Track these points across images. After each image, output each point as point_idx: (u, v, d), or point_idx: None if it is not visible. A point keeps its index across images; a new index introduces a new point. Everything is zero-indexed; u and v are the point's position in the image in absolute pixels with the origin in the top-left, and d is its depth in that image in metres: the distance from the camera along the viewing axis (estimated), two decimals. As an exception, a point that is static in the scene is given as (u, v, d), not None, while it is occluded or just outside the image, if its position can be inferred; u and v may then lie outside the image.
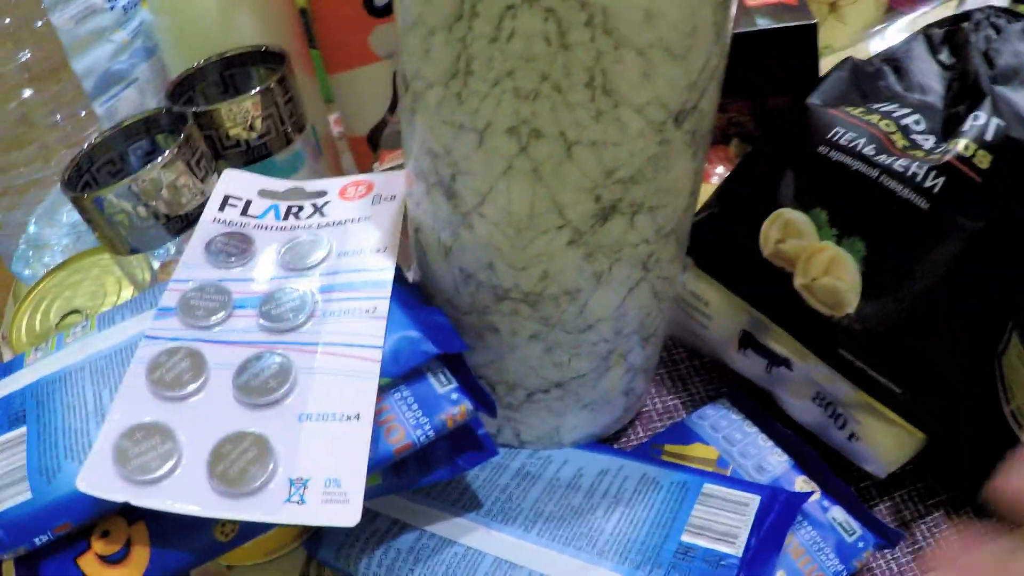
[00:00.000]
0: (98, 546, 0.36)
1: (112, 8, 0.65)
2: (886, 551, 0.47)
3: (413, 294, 0.45)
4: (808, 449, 0.48)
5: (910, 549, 0.48)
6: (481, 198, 0.38)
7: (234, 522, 0.37)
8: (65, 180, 0.48)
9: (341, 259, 0.44)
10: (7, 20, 0.66)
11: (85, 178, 0.50)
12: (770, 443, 0.50)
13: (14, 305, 0.64)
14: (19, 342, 0.59)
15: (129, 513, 0.36)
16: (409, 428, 0.39)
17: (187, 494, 0.35)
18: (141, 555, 0.36)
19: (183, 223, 0.49)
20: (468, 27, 0.33)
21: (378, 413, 0.38)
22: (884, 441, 0.45)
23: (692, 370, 0.56)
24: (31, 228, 0.72)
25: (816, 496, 0.47)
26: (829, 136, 0.46)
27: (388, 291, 0.42)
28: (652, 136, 0.36)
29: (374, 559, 0.44)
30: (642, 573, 0.40)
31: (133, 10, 0.67)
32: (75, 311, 0.61)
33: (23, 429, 0.39)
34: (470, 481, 0.48)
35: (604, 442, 0.52)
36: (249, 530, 0.38)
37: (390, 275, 0.43)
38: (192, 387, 0.38)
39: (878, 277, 0.43)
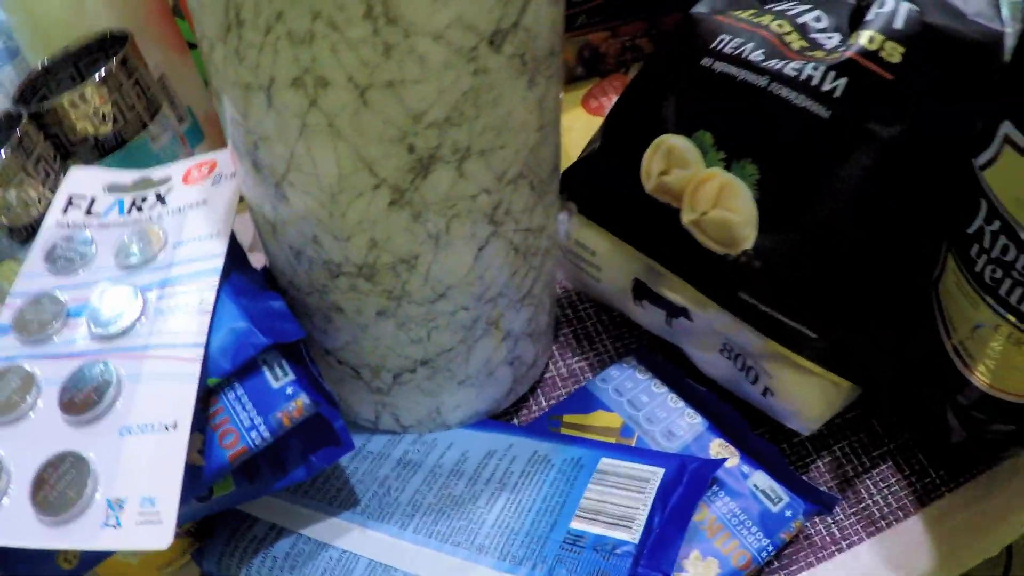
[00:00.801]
0: None
1: None
2: (825, 515, 0.41)
3: (252, 279, 0.40)
4: (726, 408, 0.43)
5: (854, 510, 0.42)
6: (286, 165, 0.32)
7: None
8: None
9: (176, 250, 0.40)
10: None
11: None
12: (681, 404, 0.44)
13: None
14: None
15: None
16: (243, 430, 0.36)
17: (11, 525, 0.33)
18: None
19: (29, 232, 0.45)
20: None
21: (212, 417, 0.36)
22: (802, 394, 0.39)
23: (600, 327, 0.50)
24: None
25: (734, 461, 0.41)
26: (713, 46, 0.39)
27: (215, 281, 0.37)
28: (462, 66, 0.29)
29: (252, 567, 0.40)
30: (524, 570, 0.35)
31: None
32: None
33: None
34: (349, 475, 0.44)
35: (498, 418, 0.47)
36: (89, 557, 0.36)
37: (219, 263, 0.38)
38: (20, 410, 0.35)
39: (776, 204, 0.37)
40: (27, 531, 0.32)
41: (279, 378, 0.37)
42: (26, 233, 0.45)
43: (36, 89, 0.51)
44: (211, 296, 0.37)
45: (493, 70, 0.30)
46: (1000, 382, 0.35)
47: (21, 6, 0.54)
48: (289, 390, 0.36)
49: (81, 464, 0.33)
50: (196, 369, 0.35)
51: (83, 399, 0.35)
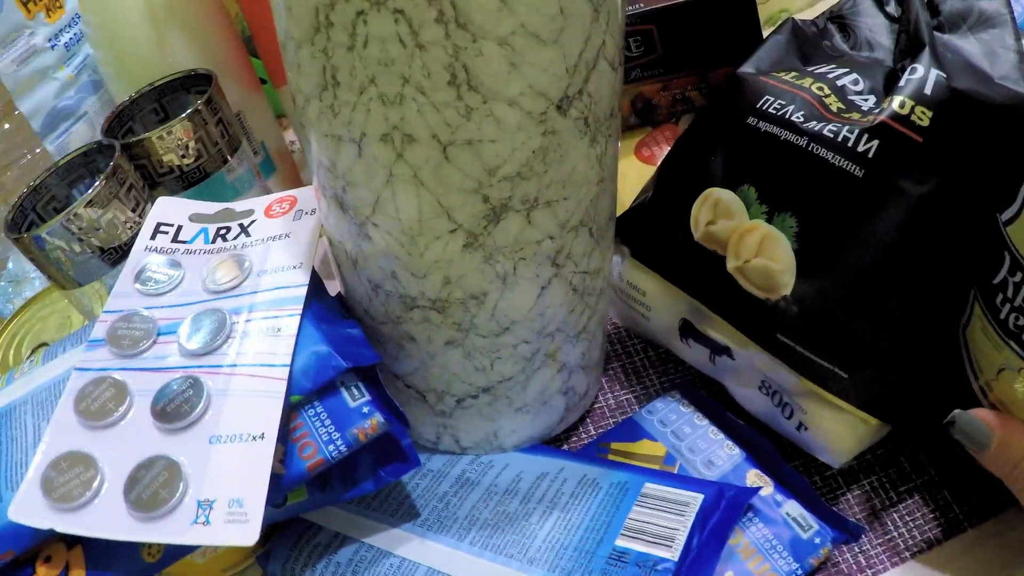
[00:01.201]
0: (41, 571, 0.38)
1: (54, 47, 0.66)
2: (852, 544, 0.44)
3: (331, 307, 0.44)
4: (763, 440, 0.46)
5: (880, 540, 0.45)
6: (371, 208, 0.36)
7: (159, 544, 0.38)
8: (8, 222, 0.49)
9: (260, 278, 0.43)
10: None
11: (30, 218, 0.51)
12: (721, 436, 0.47)
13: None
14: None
15: (67, 538, 0.38)
16: (321, 444, 0.39)
17: (105, 519, 0.36)
18: (78, 577, 0.37)
19: (119, 254, 0.49)
20: (327, 37, 0.31)
21: (293, 431, 0.39)
22: (834, 430, 0.42)
23: (647, 362, 0.54)
24: (10, 264, 0.73)
25: (768, 490, 0.44)
26: (758, 105, 0.43)
27: (299, 308, 0.41)
28: (533, 128, 0.33)
29: (316, 571, 0.43)
30: (572, 581, 0.38)
31: (76, 46, 0.68)
32: (43, 344, 0.62)
33: None
34: (410, 490, 0.47)
35: (550, 443, 0.50)
36: (173, 551, 0.39)
37: (303, 291, 0.42)
38: (114, 416, 0.38)
39: (813, 254, 0.40)
40: (122, 525, 0.35)
41: (356, 398, 0.40)
42: (116, 255, 0.49)
43: (123, 121, 0.55)
44: (295, 321, 0.40)
45: (560, 131, 0.34)
46: (1021, 422, 0.38)
47: (109, 43, 0.58)
48: (365, 409, 0.39)
49: (172, 467, 0.36)
50: (281, 387, 0.38)
51: (175, 409, 0.38)
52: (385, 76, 0.31)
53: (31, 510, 0.36)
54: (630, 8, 0.56)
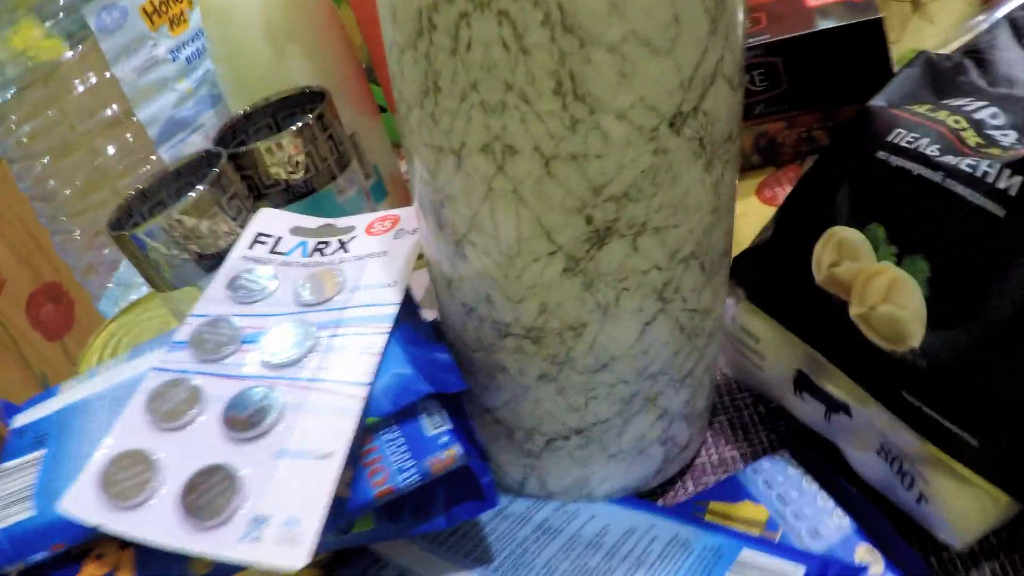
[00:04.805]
0: (89, 568, 0.37)
1: (175, 59, 0.69)
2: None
3: (422, 330, 0.43)
4: (876, 512, 0.41)
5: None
6: (468, 225, 0.35)
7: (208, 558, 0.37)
8: (112, 220, 0.50)
9: (353, 294, 0.42)
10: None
11: (135, 219, 0.52)
12: (831, 503, 0.43)
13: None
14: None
15: (121, 539, 0.36)
16: (393, 471, 0.37)
17: (153, 523, 0.35)
18: (124, 580, 0.37)
19: (216, 261, 0.49)
20: (429, 41, 0.30)
21: (365, 454, 0.37)
22: (959, 505, 0.37)
23: (756, 417, 0.50)
24: (121, 268, 0.76)
25: (877, 569, 0.40)
26: (889, 139, 0.40)
27: (388, 327, 0.40)
28: (643, 145, 0.31)
29: None
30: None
31: (197, 60, 0.71)
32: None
33: (42, 451, 0.40)
34: (487, 532, 0.44)
35: (644, 496, 0.47)
36: (223, 569, 0.37)
37: (393, 310, 0.41)
38: (185, 419, 0.38)
39: (946, 302, 0.37)
40: (171, 530, 0.34)
41: (436, 426, 0.38)
42: (213, 261, 0.49)
43: (236, 134, 0.56)
44: (382, 340, 0.39)
45: (672, 150, 0.32)
46: None
47: (228, 58, 0.60)
48: (444, 439, 0.37)
49: (233, 477, 0.35)
50: (359, 405, 0.36)
51: (246, 418, 0.36)
52: (487, 82, 0.30)
53: (83, 505, 0.36)
54: (753, 38, 0.53)
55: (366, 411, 0.37)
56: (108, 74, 0.67)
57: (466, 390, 0.39)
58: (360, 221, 0.47)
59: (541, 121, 0.30)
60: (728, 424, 0.50)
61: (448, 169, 0.33)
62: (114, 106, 0.68)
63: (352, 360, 0.39)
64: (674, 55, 0.29)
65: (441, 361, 0.40)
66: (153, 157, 0.72)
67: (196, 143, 0.72)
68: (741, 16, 0.32)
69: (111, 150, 0.70)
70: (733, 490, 0.45)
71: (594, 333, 0.37)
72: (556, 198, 0.32)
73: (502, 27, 0.28)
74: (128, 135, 0.70)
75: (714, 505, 0.45)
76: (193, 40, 0.70)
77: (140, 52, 0.67)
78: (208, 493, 0.35)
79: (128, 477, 0.36)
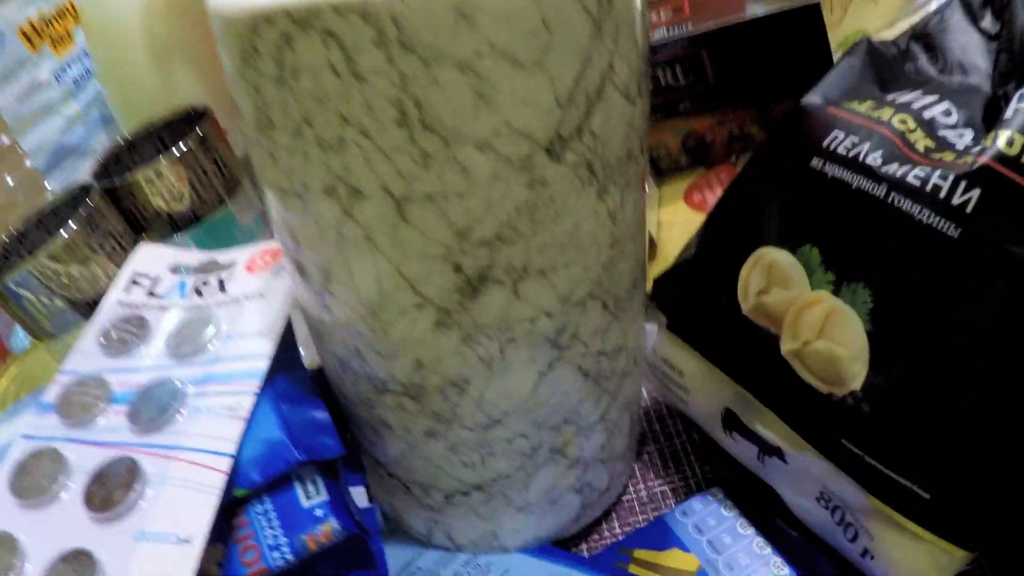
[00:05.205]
0: None
1: (60, 81, 0.64)
2: None
3: (299, 384, 0.37)
4: (821, 561, 0.37)
5: None
6: (325, 275, 0.29)
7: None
8: None
9: (226, 344, 0.37)
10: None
11: (12, 262, 0.47)
12: (768, 550, 0.38)
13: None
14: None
15: None
16: (265, 549, 0.33)
17: None
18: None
19: (93, 306, 0.44)
20: (255, 68, 0.25)
21: (237, 528, 0.33)
22: (908, 562, 0.33)
23: (689, 447, 0.45)
24: None
25: (824, 631, 0.35)
26: (825, 144, 0.34)
27: (256, 384, 0.35)
28: (514, 178, 0.25)
29: None
30: None
31: (86, 80, 0.65)
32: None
33: None
34: None
35: (565, 543, 0.42)
36: None
37: (263, 364, 0.35)
38: (48, 495, 0.33)
39: (892, 338, 0.32)
40: None
41: (310, 496, 0.34)
42: (90, 308, 0.43)
43: (119, 161, 0.50)
44: (249, 401, 0.34)
45: (553, 181, 0.26)
46: None
47: (114, 78, 0.55)
48: (319, 511, 0.33)
49: (92, 564, 0.31)
50: (221, 482, 0.32)
51: (106, 495, 0.33)
52: (321, 115, 0.24)
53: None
54: (673, 30, 0.47)
55: (231, 484, 0.32)
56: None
57: (343, 453, 0.34)
58: (242, 255, 0.42)
59: (387, 158, 0.24)
60: (658, 454, 0.45)
61: (296, 212, 0.28)
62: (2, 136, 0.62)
63: (217, 425, 0.34)
64: (545, 68, 0.24)
65: (317, 421, 0.35)
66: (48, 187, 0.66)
67: (89, 170, 0.66)
68: (639, 11, 0.26)
69: (9, 182, 0.64)
70: (660, 535, 0.40)
71: (480, 388, 0.31)
72: (415, 245, 0.26)
73: (330, 49, 0.23)
74: (28, 163, 0.64)
75: (639, 553, 0.40)
76: (80, 59, 0.64)
77: (20, 76, 0.61)
78: None
79: None
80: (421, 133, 0.24)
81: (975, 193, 0.30)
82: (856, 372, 0.32)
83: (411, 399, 0.32)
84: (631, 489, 0.44)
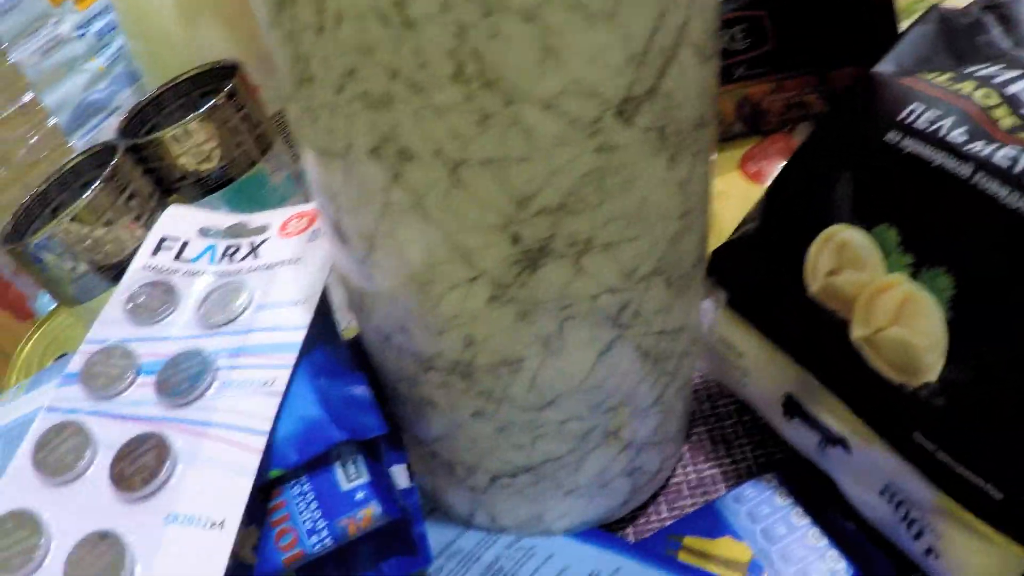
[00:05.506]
0: None
1: (82, 36, 0.61)
2: None
3: (338, 357, 0.36)
4: (879, 556, 0.35)
5: None
6: (369, 244, 0.27)
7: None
8: (8, 231, 0.44)
9: (259, 313, 0.35)
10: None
11: (36, 225, 0.45)
12: (824, 542, 0.36)
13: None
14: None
15: None
16: (303, 533, 0.31)
17: None
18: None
19: (120, 270, 0.42)
20: (292, 16, 0.23)
21: (273, 511, 0.32)
22: (976, 564, 0.31)
23: (741, 429, 0.43)
24: None
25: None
26: (901, 117, 0.32)
27: (292, 358, 0.33)
28: (581, 142, 0.23)
29: None
30: None
31: (110, 35, 0.63)
32: (64, 354, 0.56)
33: None
34: (432, 573, 0.39)
35: (612, 527, 0.40)
36: None
37: (299, 336, 0.34)
38: (71, 472, 0.32)
39: (973, 329, 0.29)
40: None
41: (351, 478, 0.32)
42: (116, 272, 0.43)
43: (145, 120, 0.49)
44: (285, 375, 0.32)
45: (623, 147, 0.24)
46: None
47: (140, 33, 0.53)
48: (360, 494, 0.31)
49: (119, 549, 0.29)
50: (255, 462, 0.30)
51: (133, 473, 0.31)
52: (367, 68, 0.22)
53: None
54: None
55: (266, 464, 0.31)
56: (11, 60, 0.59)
57: (387, 432, 0.32)
58: (276, 218, 0.40)
59: (440, 117, 0.22)
60: (708, 437, 0.43)
61: (337, 176, 0.26)
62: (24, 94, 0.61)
63: (252, 400, 0.32)
64: (618, 21, 0.22)
65: (357, 398, 0.33)
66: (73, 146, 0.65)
67: (114, 128, 0.65)
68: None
69: (31, 140, 0.63)
70: (712, 522, 0.39)
71: (534, 368, 0.29)
72: (471, 213, 0.25)
73: (379, -6, 0.21)
74: (50, 121, 0.62)
75: (689, 540, 0.38)
76: (104, 12, 0.62)
77: (41, 32, 0.59)
78: (94, 565, 0.29)
79: (11, 544, 0.30)
80: (480, 90, 0.22)
81: (1070, 177, 0.28)
82: (932, 363, 0.30)
83: (459, 377, 0.30)
84: (680, 471, 0.42)
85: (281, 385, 0.32)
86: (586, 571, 0.37)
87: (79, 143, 0.61)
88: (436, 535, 0.40)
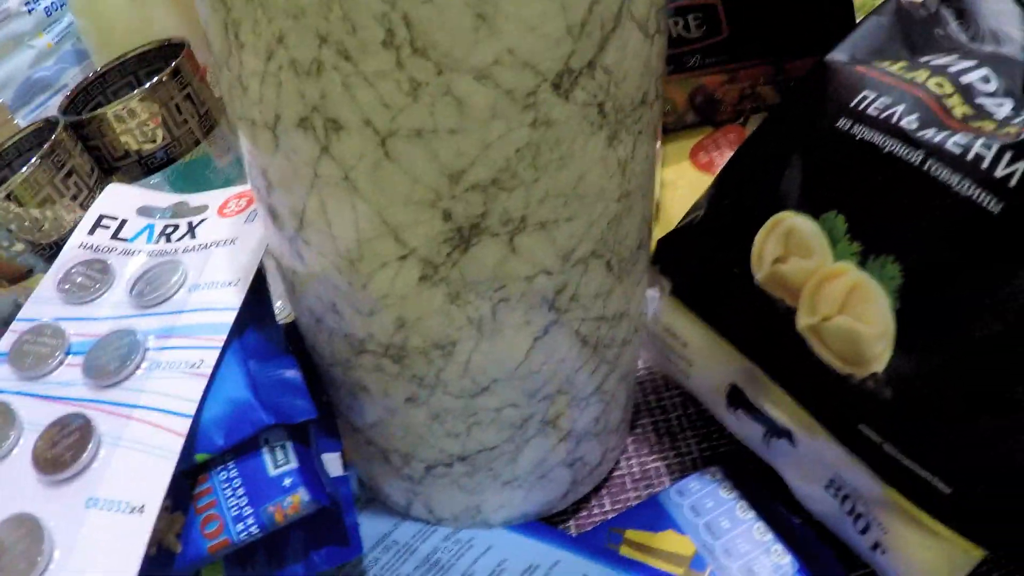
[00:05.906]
0: None
1: (31, 11, 0.60)
2: None
3: (270, 338, 0.35)
4: (825, 552, 0.34)
5: None
6: (299, 220, 0.26)
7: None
8: None
9: (192, 294, 0.34)
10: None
11: None
12: (769, 536, 0.36)
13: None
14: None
15: None
16: (229, 520, 0.30)
17: None
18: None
19: (56, 250, 0.42)
20: None
21: (198, 497, 0.31)
22: (923, 559, 0.30)
23: (686, 421, 0.42)
24: None
25: (825, 625, 0.33)
26: (854, 104, 0.31)
27: (222, 339, 0.32)
28: (516, 116, 0.22)
29: None
30: None
31: (59, 11, 0.62)
32: None
33: None
34: (367, 566, 0.38)
35: (552, 520, 0.39)
36: None
37: (230, 317, 0.33)
38: None
39: (921, 318, 0.29)
40: None
41: (279, 464, 0.31)
42: (54, 253, 0.42)
43: (90, 97, 0.48)
44: (213, 356, 0.31)
45: (559, 122, 0.23)
46: None
47: (86, 7, 0.52)
48: (287, 480, 0.30)
49: (38, 534, 0.29)
50: (178, 445, 0.29)
51: (55, 456, 0.30)
52: (296, 33, 0.21)
53: None
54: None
55: (191, 448, 0.30)
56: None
57: (334, 403, 0.31)
58: (216, 198, 0.39)
59: (370, 85, 0.21)
60: (652, 429, 0.43)
61: (266, 148, 0.25)
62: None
63: (178, 382, 0.31)
64: (557, -11, 0.21)
65: (288, 381, 0.32)
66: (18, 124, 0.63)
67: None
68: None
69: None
70: (654, 516, 0.38)
71: (468, 352, 0.28)
72: (400, 188, 0.23)
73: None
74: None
75: (631, 534, 0.38)
76: None
77: None
78: (11, 552, 0.28)
79: None
80: (410, 57, 0.21)
81: (1020, 166, 0.27)
82: (879, 353, 0.29)
83: (391, 361, 0.29)
84: (623, 464, 0.41)
85: (208, 367, 0.31)
86: (525, 564, 0.36)
87: (24, 122, 0.60)
88: (372, 526, 0.39)
